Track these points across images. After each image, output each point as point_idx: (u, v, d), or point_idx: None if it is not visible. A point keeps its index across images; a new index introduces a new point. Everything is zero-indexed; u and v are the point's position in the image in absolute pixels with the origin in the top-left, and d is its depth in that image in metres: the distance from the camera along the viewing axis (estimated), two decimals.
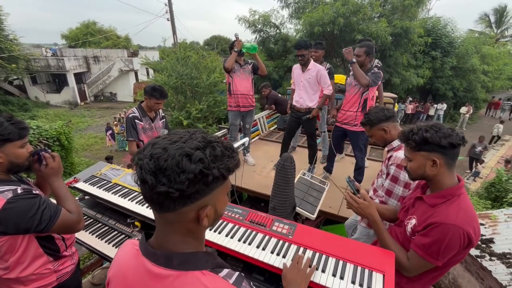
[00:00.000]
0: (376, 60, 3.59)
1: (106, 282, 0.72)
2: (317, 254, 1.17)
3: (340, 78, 5.69)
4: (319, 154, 4.12)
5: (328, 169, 3.56)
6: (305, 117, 3.39)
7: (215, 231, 1.33)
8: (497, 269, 3.34)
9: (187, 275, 0.57)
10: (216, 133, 4.84)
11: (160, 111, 2.83)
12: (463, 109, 13.96)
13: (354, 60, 2.87)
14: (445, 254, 1.11)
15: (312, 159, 3.71)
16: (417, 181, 1.39)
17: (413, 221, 1.23)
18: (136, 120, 2.58)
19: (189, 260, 0.59)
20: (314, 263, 1.13)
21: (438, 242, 1.09)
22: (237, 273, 0.61)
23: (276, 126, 6.28)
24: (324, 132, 4.19)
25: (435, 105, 14.04)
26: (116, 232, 1.76)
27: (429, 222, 1.12)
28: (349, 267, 1.11)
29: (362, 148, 3.15)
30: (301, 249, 1.20)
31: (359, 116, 3.01)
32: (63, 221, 1.17)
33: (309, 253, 1.18)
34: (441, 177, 1.16)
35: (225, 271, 0.60)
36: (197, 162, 0.52)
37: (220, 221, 1.40)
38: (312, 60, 3.29)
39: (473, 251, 3.61)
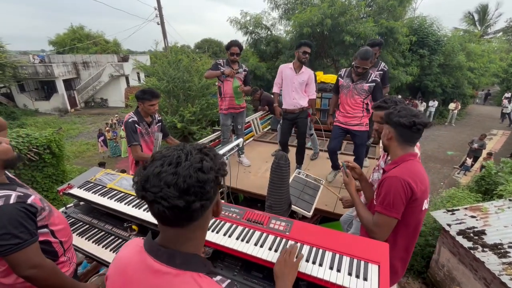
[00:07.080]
0: (383, 64, 3.64)
1: (105, 278, 0.74)
2: (314, 249, 1.20)
3: (331, 78, 5.77)
4: (310, 153, 4.26)
5: (335, 165, 3.53)
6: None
7: (213, 230, 1.34)
8: (490, 259, 3.42)
9: (186, 274, 0.61)
10: (211, 135, 4.85)
11: (156, 115, 2.81)
12: (451, 106, 14.28)
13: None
14: (395, 204, 1.29)
15: (301, 160, 3.71)
16: None
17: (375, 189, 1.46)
18: (136, 125, 2.61)
19: (190, 261, 0.64)
20: (311, 257, 1.15)
21: (387, 194, 1.31)
22: (229, 280, 0.66)
23: (270, 127, 6.32)
24: (312, 134, 4.27)
25: (424, 103, 14.32)
26: (113, 237, 1.74)
27: (379, 182, 1.39)
28: (346, 260, 1.13)
29: (364, 143, 3.29)
30: (298, 244, 1.22)
31: (365, 117, 3.12)
32: (21, 256, 1.04)
33: (306, 248, 1.20)
34: (395, 149, 1.42)
35: (219, 277, 0.65)
36: (209, 171, 0.60)
37: (218, 220, 1.41)
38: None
39: (466, 243, 3.70)
